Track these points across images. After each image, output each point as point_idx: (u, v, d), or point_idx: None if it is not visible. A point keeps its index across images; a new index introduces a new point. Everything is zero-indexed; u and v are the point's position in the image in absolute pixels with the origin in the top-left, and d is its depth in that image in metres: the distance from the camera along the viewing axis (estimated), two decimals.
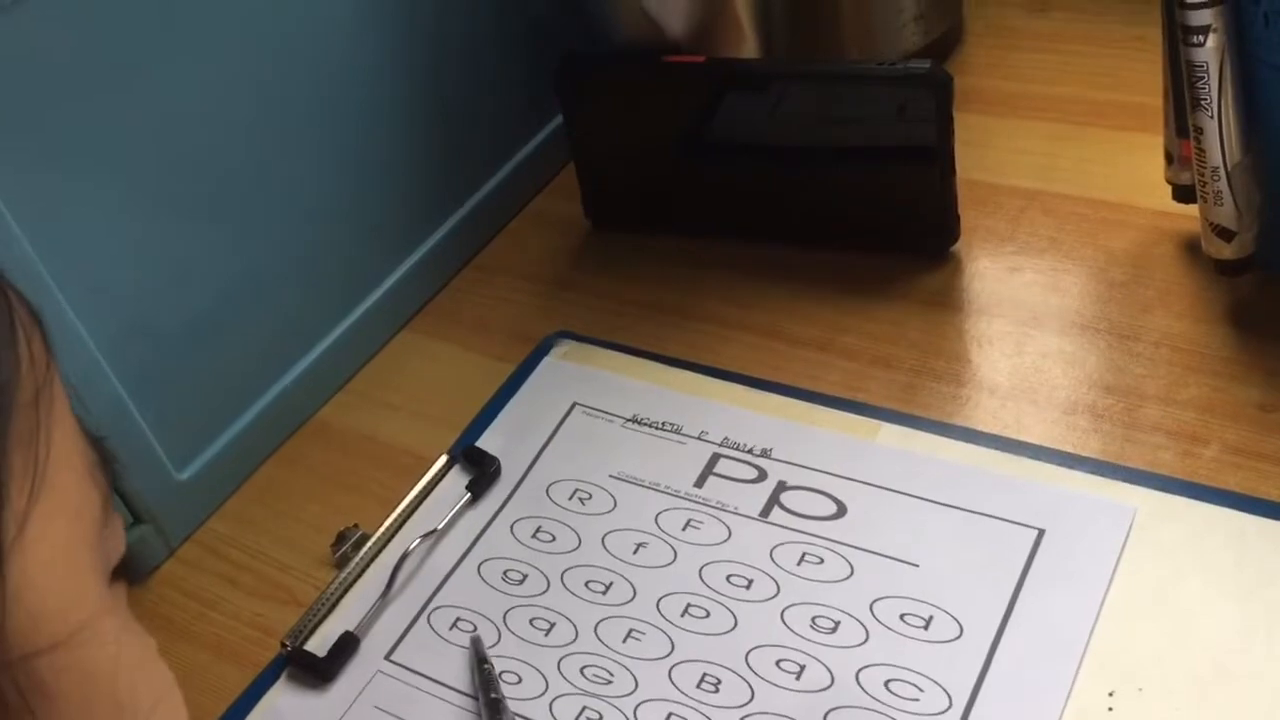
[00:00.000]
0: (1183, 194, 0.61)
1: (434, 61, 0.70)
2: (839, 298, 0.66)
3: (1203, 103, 0.53)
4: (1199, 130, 0.54)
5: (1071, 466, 0.53)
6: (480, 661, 0.50)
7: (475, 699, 0.50)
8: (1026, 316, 0.62)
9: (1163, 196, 0.62)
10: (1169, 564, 0.49)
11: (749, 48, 0.71)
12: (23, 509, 0.25)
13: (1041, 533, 0.51)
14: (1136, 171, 0.66)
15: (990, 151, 0.71)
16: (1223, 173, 0.54)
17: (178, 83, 0.57)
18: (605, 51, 0.72)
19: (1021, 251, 0.65)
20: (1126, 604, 0.48)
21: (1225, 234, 0.56)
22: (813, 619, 0.50)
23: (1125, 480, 0.52)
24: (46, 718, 0.25)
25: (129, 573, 0.29)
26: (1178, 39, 0.53)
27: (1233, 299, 0.59)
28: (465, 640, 0.53)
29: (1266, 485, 0.51)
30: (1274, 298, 0.59)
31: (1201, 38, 0.52)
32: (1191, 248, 0.62)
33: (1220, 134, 0.53)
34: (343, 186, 0.67)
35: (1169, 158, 0.61)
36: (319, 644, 0.54)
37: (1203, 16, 0.51)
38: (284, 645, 0.54)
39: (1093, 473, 0.53)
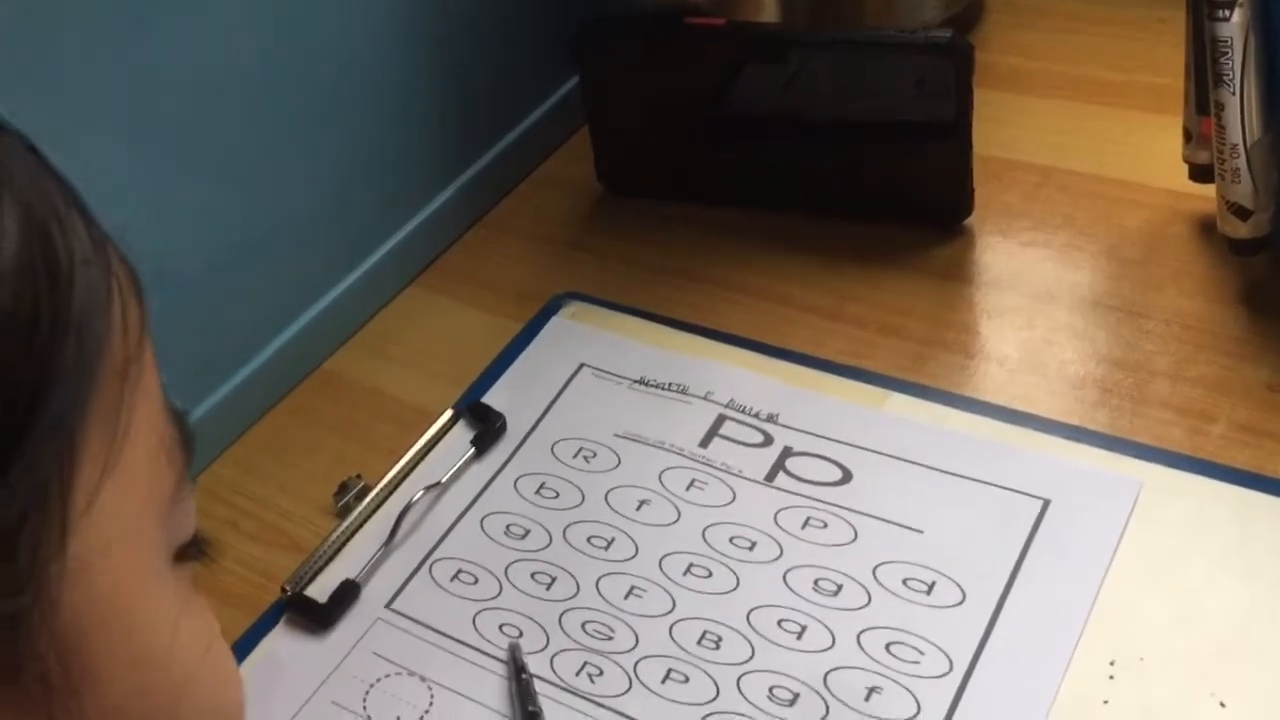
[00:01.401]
0: (1200, 173, 0.60)
1: (450, 20, 0.70)
2: (850, 267, 0.65)
3: (1225, 78, 0.53)
4: (1220, 106, 0.54)
5: (1078, 439, 0.53)
6: (519, 671, 0.49)
7: (513, 708, 0.48)
8: (1038, 291, 0.62)
9: (1178, 177, 0.62)
10: (1174, 538, 0.49)
11: (769, 14, 0.71)
12: (95, 483, 0.24)
13: (1047, 503, 0.51)
14: (1153, 152, 0.66)
15: (1007, 128, 0.71)
16: (1242, 150, 0.54)
17: (194, 34, 0.56)
18: (625, 13, 0.71)
19: (1035, 227, 0.65)
20: (1130, 576, 0.48)
21: (1241, 212, 0.55)
22: (815, 581, 0.50)
23: (1132, 455, 0.52)
24: (94, 699, 0.24)
25: (200, 553, 0.28)
26: (1203, 13, 0.53)
27: (1245, 279, 0.59)
28: (466, 593, 0.53)
29: (1273, 463, 0.51)
30: None
31: (1227, 12, 0.51)
32: (1205, 228, 0.62)
33: (1241, 111, 0.53)
34: (357, 141, 0.67)
35: (1187, 136, 0.60)
36: (319, 590, 0.54)
37: None
38: (284, 590, 0.54)
39: (1100, 446, 0.53)
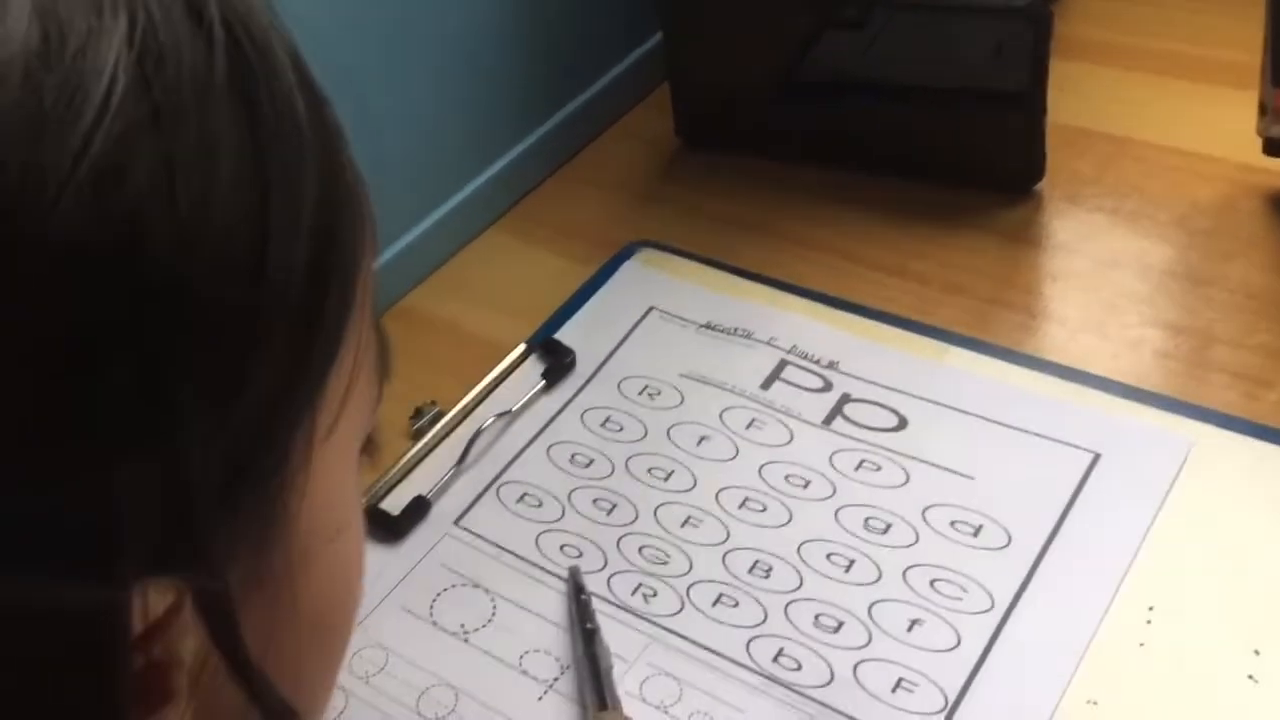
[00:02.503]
0: (1273, 147, 0.61)
1: None
2: (919, 227, 0.67)
3: None
4: None
5: (1133, 398, 0.54)
6: (578, 591, 0.51)
7: (570, 624, 0.51)
8: (1105, 256, 0.63)
9: (1254, 152, 0.63)
10: (1221, 495, 0.50)
11: None
12: (337, 409, 0.25)
13: (1097, 456, 0.52)
14: (1229, 126, 0.66)
15: (1085, 97, 0.71)
16: None
17: None
18: None
19: (1106, 195, 0.66)
20: (1175, 530, 0.49)
21: None
22: (865, 520, 0.52)
23: (1185, 415, 0.53)
24: (304, 591, 0.26)
25: (370, 443, 0.30)
26: None
27: None
28: (531, 514, 0.55)
29: None
30: None
31: None
32: (1276, 202, 0.62)
33: None
34: (445, 85, 0.69)
35: (1263, 109, 0.61)
36: (393, 504, 0.56)
37: None
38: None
39: (1154, 405, 0.54)
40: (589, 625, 0.50)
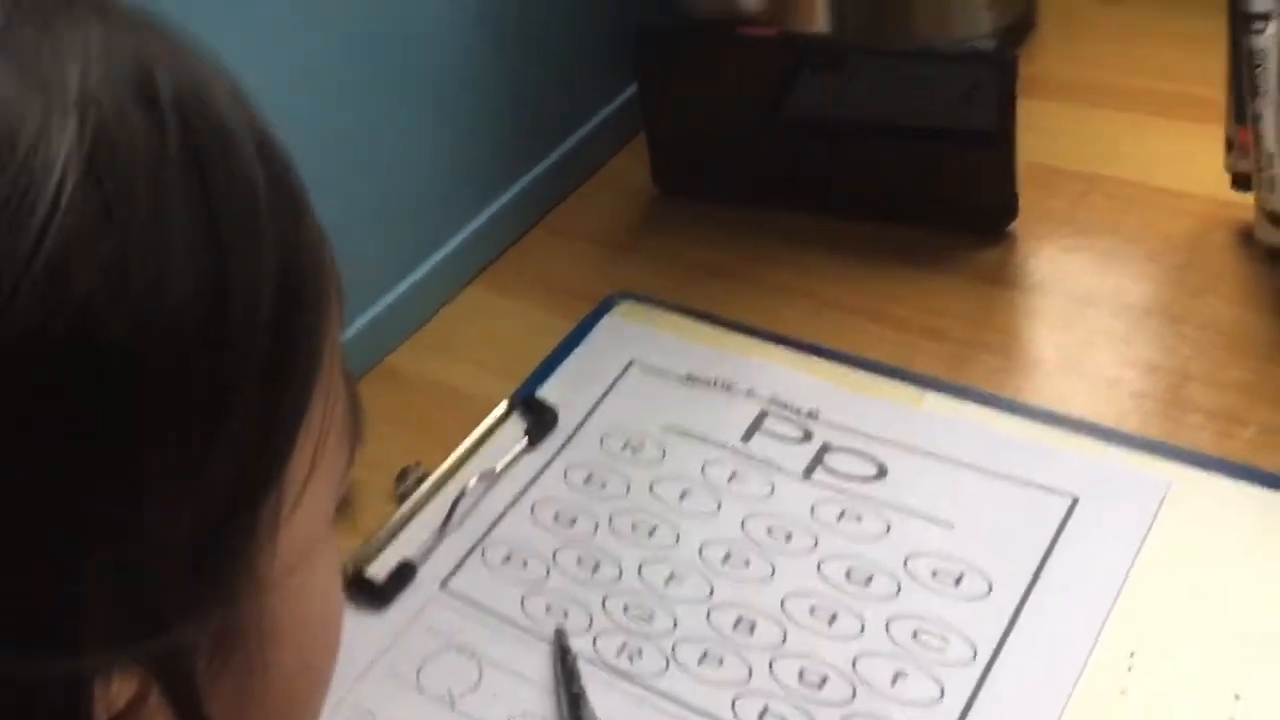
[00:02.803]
0: (1241, 182, 0.61)
1: (515, 26, 0.73)
2: (896, 270, 0.67)
3: (1261, 89, 0.54)
4: (1257, 117, 0.55)
5: (1110, 440, 0.55)
6: (564, 653, 0.52)
7: (555, 687, 0.51)
8: (1079, 295, 0.63)
9: (1222, 186, 0.63)
10: (1199, 537, 0.50)
11: (821, 23, 0.73)
12: (304, 478, 0.25)
13: (1075, 500, 0.52)
14: (1198, 161, 0.67)
15: (1057, 137, 0.72)
16: (1277, 159, 0.55)
17: (268, 40, 0.60)
18: (681, 23, 0.74)
19: (1080, 233, 0.67)
20: (1154, 572, 0.49)
21: (1278, 220, 0.56)
22: (848, 571, 0.52)
23: (1162, 456, 0.53)
24: (275, 660, 0.26)
25: (345, 505, 0.30)
26: (1240, 26, 0.54)
27: None
28: (516, 575, 0.56)
29: None
30: None
31: (1263, 24, 0.53)
32: (1247, 236, 0.63)
33: (1277, 121, 0.54)
34: (422, 144, 0.70)
35: (1229, 145, 0.61)
36: (378, 570, 0.57)
37: (1264, 3, 0.52)
38: (345, 569, 0.57)
39: (1130, 447, 0.54)
40: (574, 689, 0.50)
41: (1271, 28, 0.52)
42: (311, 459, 0.26)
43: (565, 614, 0.54)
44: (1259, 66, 0.54)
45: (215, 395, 0.22)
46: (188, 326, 0.22)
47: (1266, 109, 0.54)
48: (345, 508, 0.30)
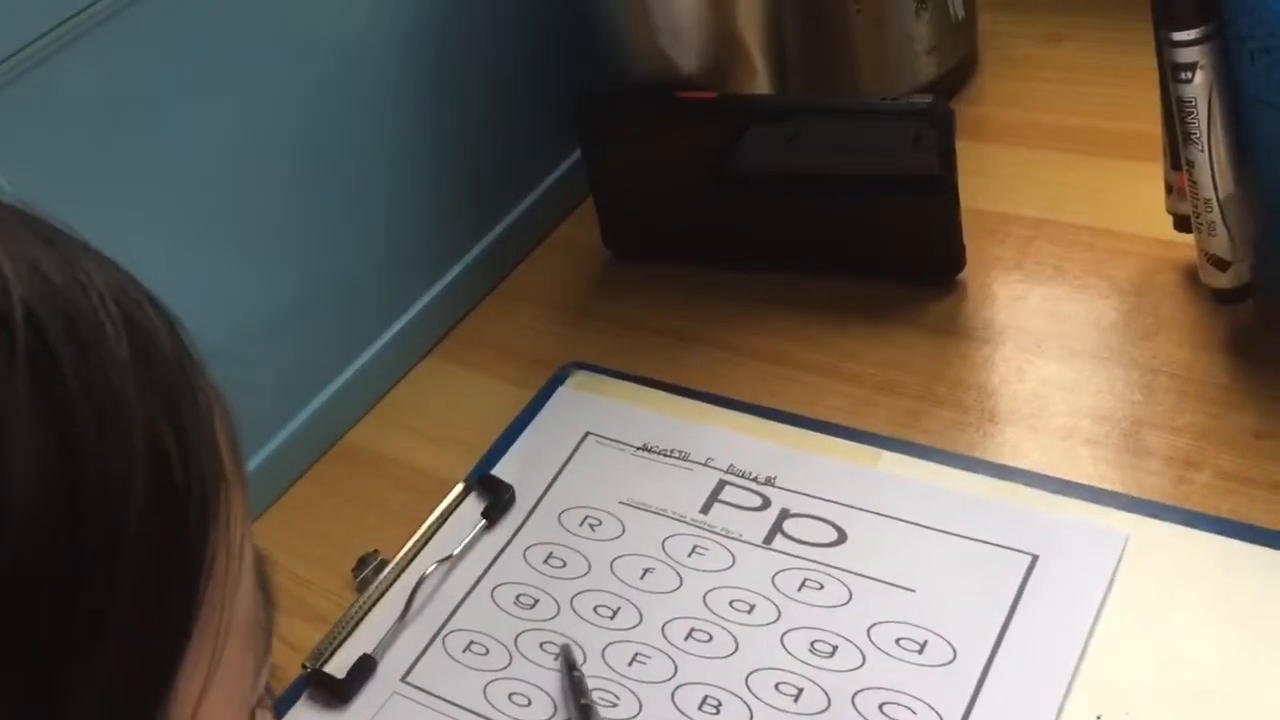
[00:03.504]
0: (1183, 224, 0.62)
1: (459, 93, 0.73)
2: (849, 324, 0.67)
3: (1193, 137, 0.54)
4: (1190, 163, 0.55)
5: (1066, 493, 0.54)
6: (570, 668, 0.52)
7: (566, 703, 0.52)
8: (1030, 343, 0.63)
9: (1167, 226, 0.63)
10: (1159, 589, 0.50)
11: (761, 83, 0.73)
12: (196, 697, 0.23)
13: (1035, 559, 0.52)
14: (1143, 201, 0.67)
15: (1000, 181, 0.72)
16: (1215, 204, 0.55)
17: (209, 113, 0.60)
18: (620, 88, 0.74)
19: (1028, 279, 0.67)
20: (1116, 629, 0.49)
21: (1220, 264, 0.57)
22: (812, 643, 0.52)
23: (1119, 507, 0.53)
24: None
25: (267, 697, 0.27)
26: (1168, 75, 0.54)
27: (1231, 326, 0.60)
28: (478, 663, 0.55)
29: (1257, 511, 0.52)
30: (1271, 326, 0.59)
31: (1190, 74, 0.53)
32: (1193, 276, 0.63)
33: (1211, 167, 0.54)
34: (371, 216, 0.70)
35: (1168, 188, 0.62)
36: (339, 665, 0.56)
37: (1190, 54, 0.52)
38: (304, 667, 0.56)
39: (1087, 499, 0.54)
40: (584, 702, 0.50)
41: (1199, 76, 0.53)
42: (205, 675, 0.23)
43: (529, 701, 0.53)
44: (1190, 114, 0.54)
45: (72, 623, 0.20)
46: (29, 543, 0.20)
47: (1198, 156, 0.55)
48: (265, 704, 0.27)
